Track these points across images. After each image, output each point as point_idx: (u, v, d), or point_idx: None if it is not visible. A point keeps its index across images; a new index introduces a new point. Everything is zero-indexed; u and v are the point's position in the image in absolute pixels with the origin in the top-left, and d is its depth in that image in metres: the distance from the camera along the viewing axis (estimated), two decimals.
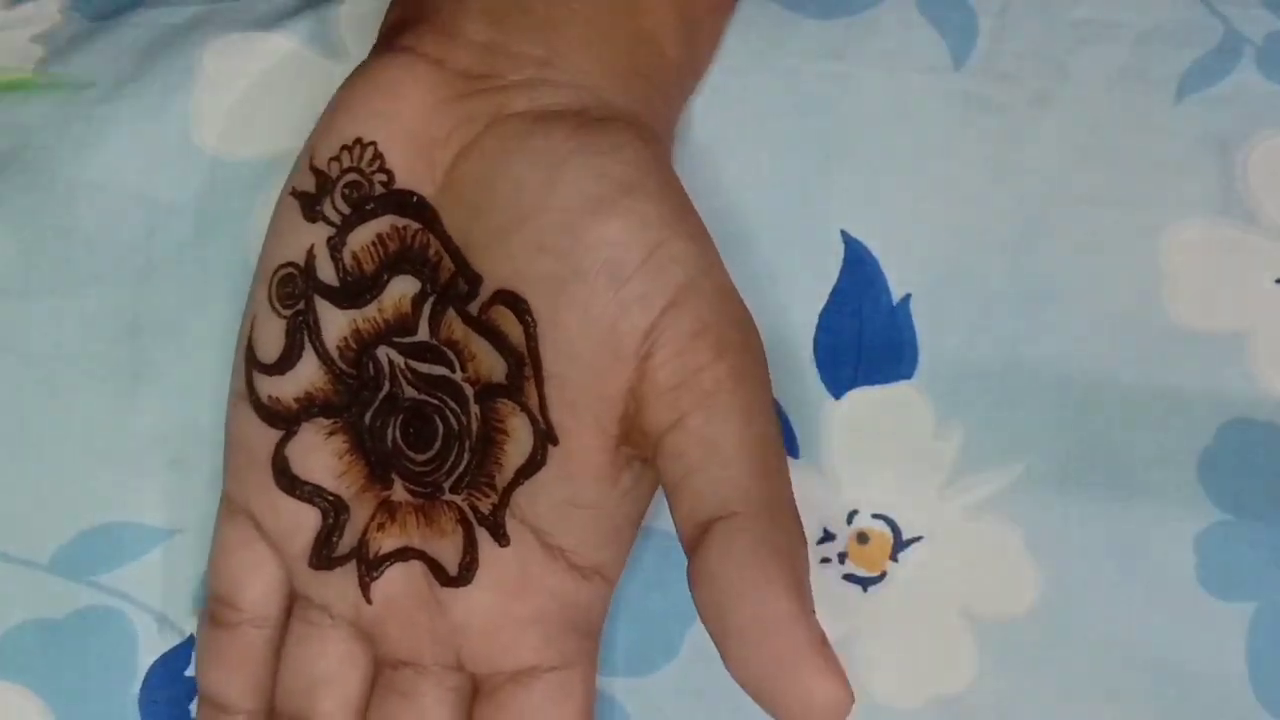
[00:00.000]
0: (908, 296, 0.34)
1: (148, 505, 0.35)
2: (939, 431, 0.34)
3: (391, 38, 0.33)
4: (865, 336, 0.34)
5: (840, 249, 0.35)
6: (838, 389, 0.34)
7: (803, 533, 0.29)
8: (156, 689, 0.35)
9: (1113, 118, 0.35)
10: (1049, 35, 0.35)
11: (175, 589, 0.35)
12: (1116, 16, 0.35)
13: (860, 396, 0.34)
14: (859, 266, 0.34)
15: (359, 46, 0.36)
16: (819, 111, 0.35)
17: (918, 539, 0.34)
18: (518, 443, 0.31)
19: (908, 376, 0.34)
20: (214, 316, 0.36)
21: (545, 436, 0.30)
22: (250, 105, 0.37)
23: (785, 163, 0.35)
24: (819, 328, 0.34)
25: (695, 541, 0.28)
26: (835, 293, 0.34)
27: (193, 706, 0.35)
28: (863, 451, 0.32)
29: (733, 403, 0.29)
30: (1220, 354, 0.34)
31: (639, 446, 0.30)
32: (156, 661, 0.35)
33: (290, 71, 0.37)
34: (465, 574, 0.31)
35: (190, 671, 0.35)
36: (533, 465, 0.31)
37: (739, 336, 0.30)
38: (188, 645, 0.35)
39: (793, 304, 0.32)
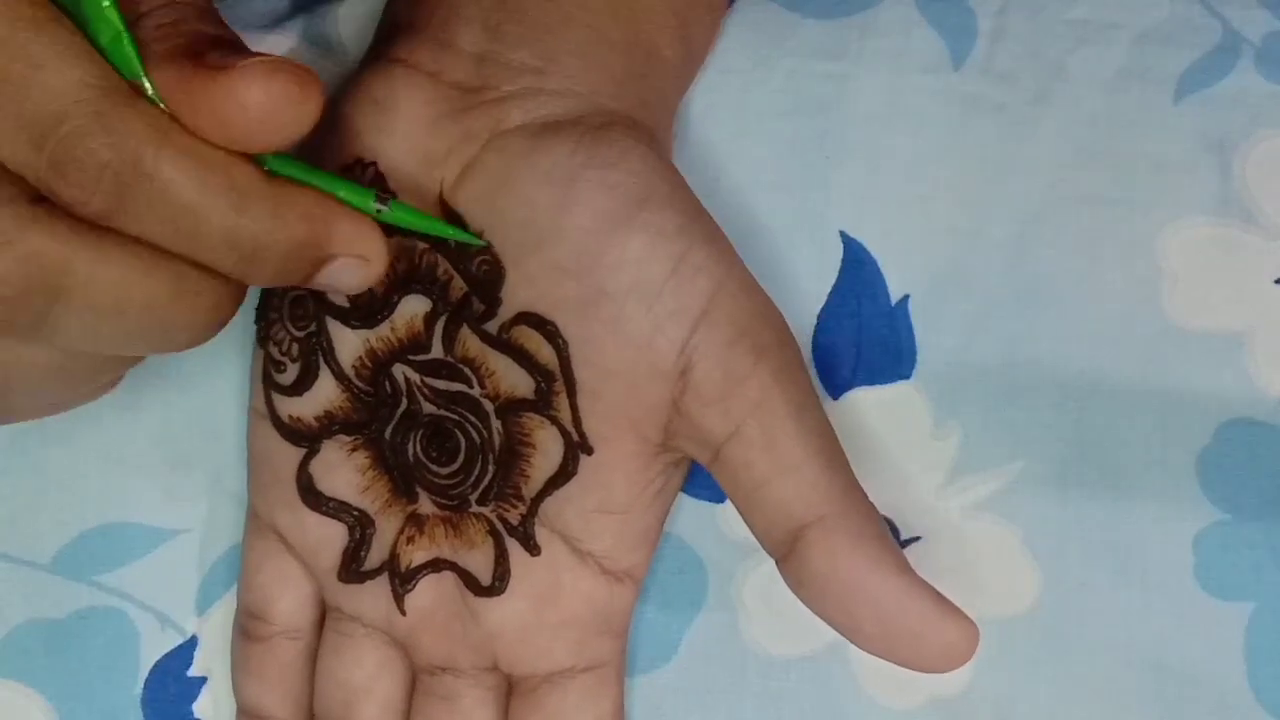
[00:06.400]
0: (906, 297, 0.34)
1: (149, 505, 0.35)
2: (937, 431, 0.34)
3: (384, 47, 0.33)
4: (864, 337, 0.34)
5: (839, 249, 0.35)
6: (836, 389, 0.34)
7: (871, 502, 0.30)
8: (159, 688, 0.35)
9: (1111, 118, 0.35)
10: (1047, 36, 0.35)
11: (177, 588, 0.35)
12: (1115, 17, 0.35)
13: (859, 397, 0.34)
14: (858, 267, 0.35)
15: (356, 46, 0.36)
16: (819, 111, 0.35)
17: (916, 539, 0.34)
18: (546, 454, 0.31)
19: (906, 377, 0.34)
20: None
21: (577, 448, 0.31)
22: None
23: (785, 163, 0.35)
24: (817, 328, 0.34)
25: (787, 548, 0.30)
26: (834, 293, 0.35)
27: (195, 706, 0.35)
28: (861, 452, 0.32)
29: (783, 405, 0.30)
30: (1219, 354, 0.34)
31: (686, 451, 0.31)
32: (159, 661, 0.35)
33: None
34: (498, 584, 0.32)
35: (192, 671, 0.35)
36: (563, 476, 0.31)
37: (773, 334, 0.31)
38: (190, 645, 0.35)
39: (791, 304, 0.32)
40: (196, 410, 0.36)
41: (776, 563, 0.30)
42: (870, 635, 0.29)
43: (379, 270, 0.28)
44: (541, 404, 0.31)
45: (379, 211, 0.28)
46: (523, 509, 0.32)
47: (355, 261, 0.28)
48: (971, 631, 0.29)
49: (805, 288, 0.34)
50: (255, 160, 0.26)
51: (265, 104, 0.24)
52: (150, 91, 0.25)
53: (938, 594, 0.29)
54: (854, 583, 0.29)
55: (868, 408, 0.34)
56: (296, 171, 0.27)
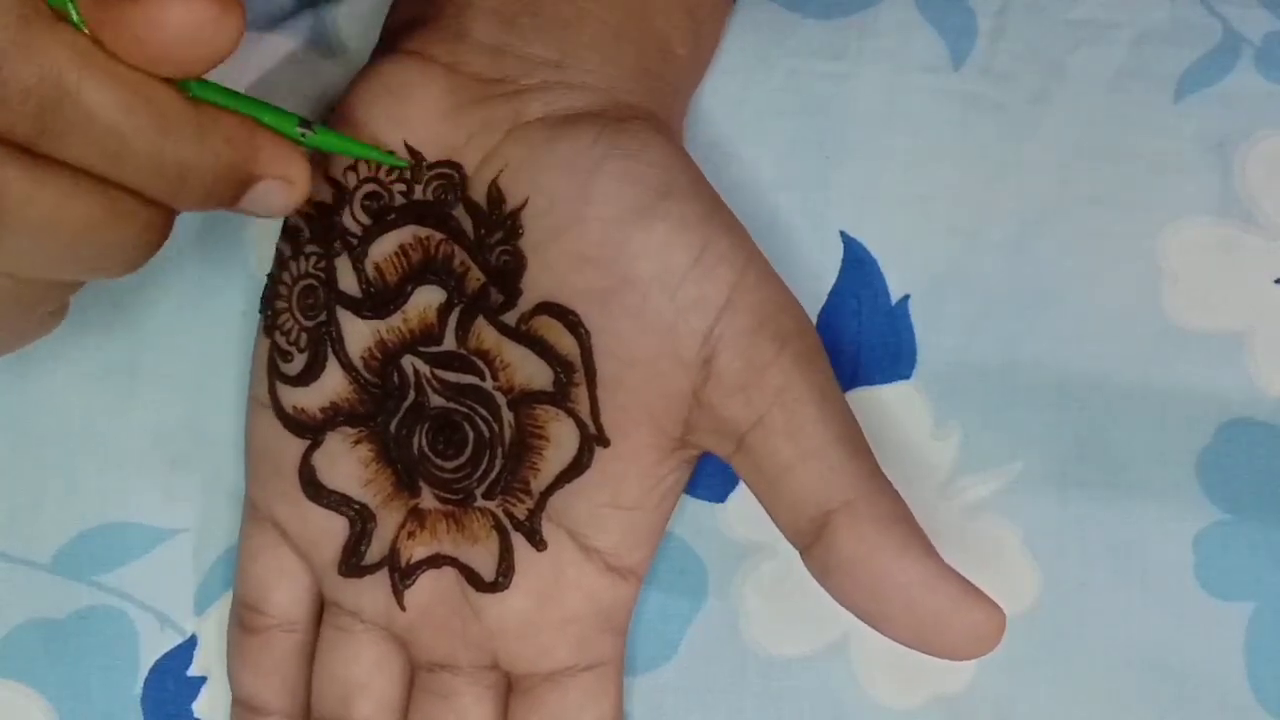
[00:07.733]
0: (906, 297, 0.34)
1: (148, 505, 0.35)
2: (937, 431, 0.34)
3: (397, 40, 0.33)
4: (864, 336, 0.34)
5: (839, 249, 0.35)
6: None
7: (894, 488, 0.30)
8: (158, 688, 0.35)
9: (1111, 118, 0.35)
10: (1047, 35, 0.35)
11: (176, 588, 0.35)
12: (1115, 16, 0.35)
13: (859, 396, 0.34)
14: (858, 267, 0.35)
15: (358, 46, 0.36)
16: (819, 111, 0.35)
17: None
18: (559, 447, 0.31)
19: (906, 376, 0.34)
20: (214, 316, 0.36)
21: (593, 440, 0.31)
22: None
23: (785, 163, 0.35)
24: (818, 328, 0.34)
25: (812, 535, 0.30)
26: (834, 293, 0.35)
27: (194, 705, 0.35)
28: None
29: (806, 392, 0.30)
30: (1219, 354, 0.34)
31: (705, 446, 0.31)
32: (158, 661, 0.35)
33: (289, 71, 0.37)
34: (502, 580, 0.32)
35: (192, 670, 0.35)
36: (576, 469, 0.31)
37: (793, 322, 0.31)
38: (189, 644, 0.35)
39: None
40: (195, 410, 0.35)
41: (800, 552, 0.30)
42: (898, 621, 0.29)
43: (302, 193, 0.29)
44: (559, 396, 0.31)
45: (303, 136, 0.29)
46: (530, 503, 0.31)
47: (279, 183, 0.28)
48: (999, 617, 0.29)
49: (805, 287, 0.34)
50: (179, 86, 0.26)
51: (185, 25, 0.25)
52: (74, 16, 0.25)
53: (964, 579, 0.29)
54: (883, 567, 0.29)
55: (868, 408, 0.34)
56: (220, 97, 0.27)
